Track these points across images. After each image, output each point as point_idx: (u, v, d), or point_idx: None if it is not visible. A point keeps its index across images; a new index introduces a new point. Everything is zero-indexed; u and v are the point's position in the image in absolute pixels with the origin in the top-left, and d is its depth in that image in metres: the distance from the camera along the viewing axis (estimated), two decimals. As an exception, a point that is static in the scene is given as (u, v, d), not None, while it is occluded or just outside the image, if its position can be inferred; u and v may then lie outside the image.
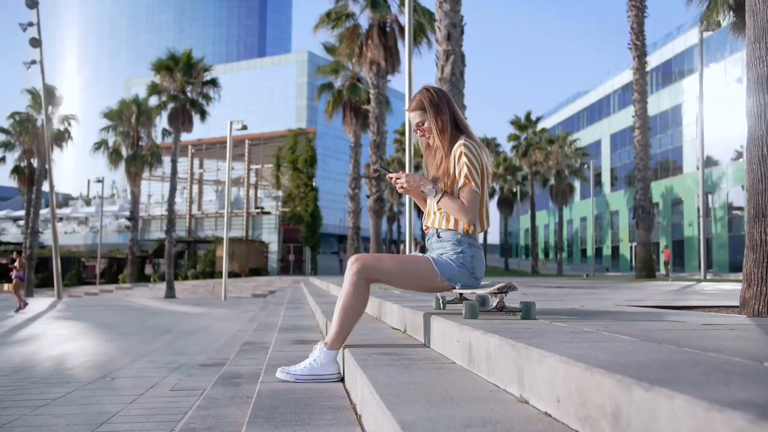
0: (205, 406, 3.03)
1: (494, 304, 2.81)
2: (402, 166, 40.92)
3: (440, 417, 1.44)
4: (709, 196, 35.22)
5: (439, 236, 2.93)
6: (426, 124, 2.99)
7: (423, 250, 3.25)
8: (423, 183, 2.93)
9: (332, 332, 2.72)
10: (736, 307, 3.55)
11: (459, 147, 2.87)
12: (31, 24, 25.16)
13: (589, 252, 51.77)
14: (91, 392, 4.54)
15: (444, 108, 2.96)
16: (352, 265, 2.74)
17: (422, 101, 2.99)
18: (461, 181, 2.83)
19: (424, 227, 3.08)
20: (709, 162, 34.01)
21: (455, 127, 2.98)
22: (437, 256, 2.85)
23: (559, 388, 1.42)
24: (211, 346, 7.57)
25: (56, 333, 9.69)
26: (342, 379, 2.67)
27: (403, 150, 42.84)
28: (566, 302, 4.41)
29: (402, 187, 2.98)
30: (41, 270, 40.44)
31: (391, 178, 3.00)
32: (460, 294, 3.08)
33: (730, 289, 8.86)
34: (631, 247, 45.15)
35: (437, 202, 2.90)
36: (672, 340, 1.82)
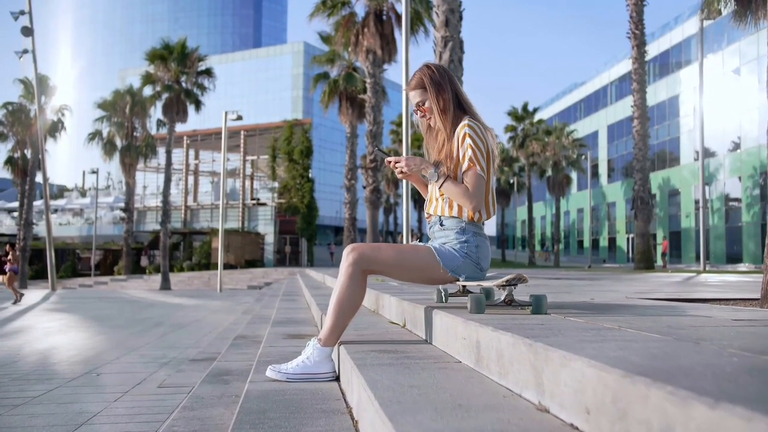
0: (191, 406, 2.83)
1: (501, 298, 2.60)
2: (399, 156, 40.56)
3: (449, 430, 1.24)
4: (706, 188, 35.06)
5: (441, 224, 2.71)
6: (427, 104, 2.76)
7: (421, 241, 3.04)
8: (424, 167, 2.70)
9: (327, 327, 2.52)
10: (756, 299, 3.35)
11: (463, 128, 2.64)
12: (23, 12, 24.85)
13: (586, 243, 51.77)
14: (74, 390, 4.33)
15: (446, 86, 2.74)
16: (347, 255, 2.53)
17: (422, 79, 2.76)
18: (465, 165, 2.61)
19: (425, 215, 2.87)
20: (706, 153, 33.82)
21: (458, 107, 2.76)
22: (439, 246, 2.64)
23: (588, 397, 1.21)
24: (203, 340, 7.38)
25: (45, 326, 9.47)
26: (337, 378, 2.47)
27: (400, 141, 42.59)
28: (573, 295, 4.21)
29: (401, 172, 2.74)
30: (35, 262, 40.11)
31: (390, 162, 2.76)
32: (463, 286, 2.87)
33: (734, 280, 8.70)
34: (628, 239, 45.02)
35: (439, 188, 2.67)
36: (708, 339, 1.62)
